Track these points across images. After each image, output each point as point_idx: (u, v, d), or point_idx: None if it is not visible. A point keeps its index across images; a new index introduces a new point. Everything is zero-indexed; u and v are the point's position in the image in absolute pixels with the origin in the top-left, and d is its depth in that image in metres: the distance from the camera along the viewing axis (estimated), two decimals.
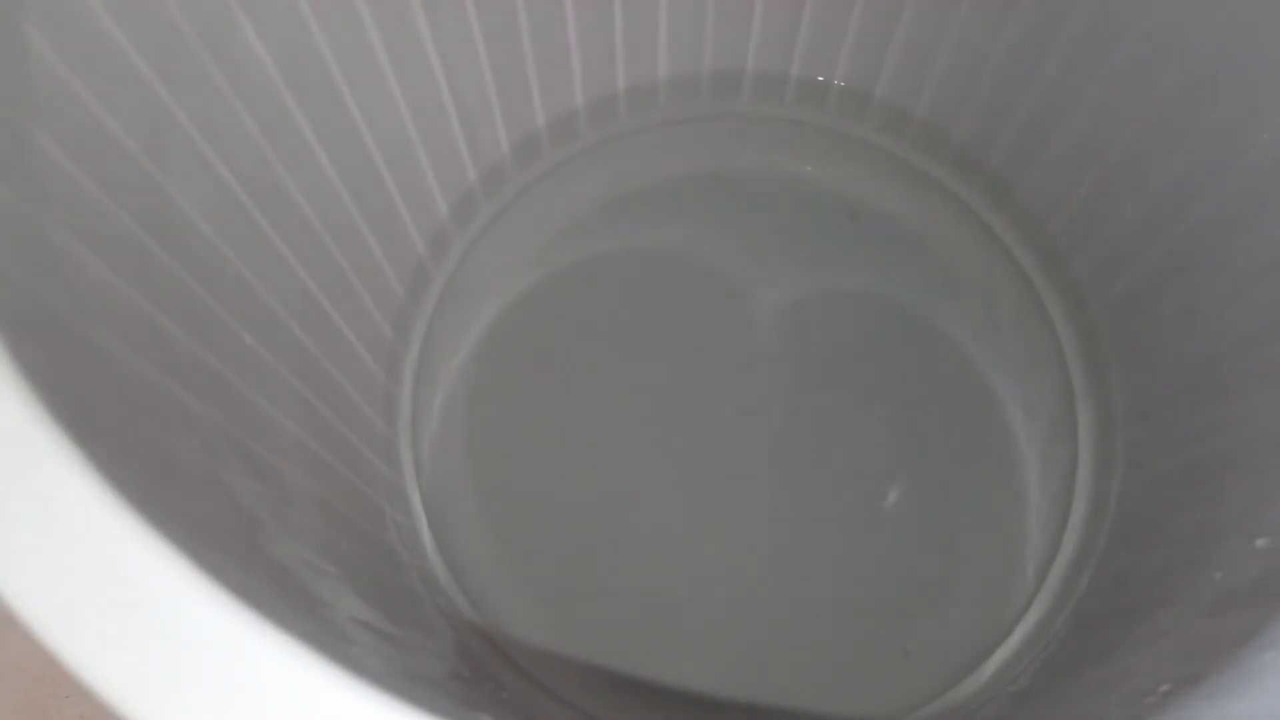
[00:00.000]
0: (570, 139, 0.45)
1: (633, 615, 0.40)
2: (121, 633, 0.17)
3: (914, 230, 0.45)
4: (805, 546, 0.41)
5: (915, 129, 0.45)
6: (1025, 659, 0.39)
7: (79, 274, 0.23)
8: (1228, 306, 0.35)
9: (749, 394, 0.43)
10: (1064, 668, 0.36)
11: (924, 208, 0.45)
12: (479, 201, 0.45)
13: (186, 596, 0.17)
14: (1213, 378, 0.35)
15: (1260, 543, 0.30)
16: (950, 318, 0.43)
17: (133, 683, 0.17)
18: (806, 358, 0.43)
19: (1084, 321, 0.43)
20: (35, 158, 0.22)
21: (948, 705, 0.39)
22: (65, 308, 0.22)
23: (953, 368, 0.43)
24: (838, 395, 0.43)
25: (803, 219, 0.45)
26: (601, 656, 0.39)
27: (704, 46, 0.44)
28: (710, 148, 0.47)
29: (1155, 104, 0.35)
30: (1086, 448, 0.42)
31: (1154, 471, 0.38)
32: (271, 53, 0.31)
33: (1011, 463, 0.42)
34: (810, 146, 0.46)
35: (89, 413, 0.20)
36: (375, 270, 0.40)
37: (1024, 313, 0.44)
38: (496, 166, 0.44)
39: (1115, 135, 0.38)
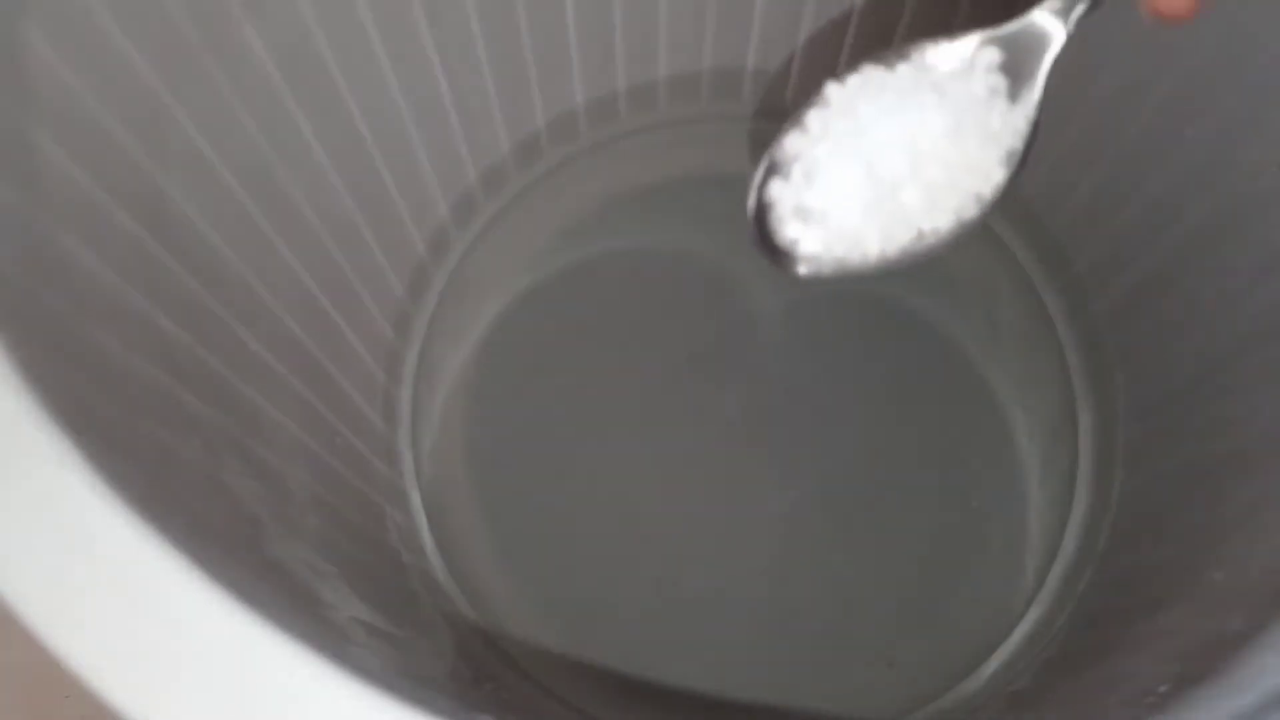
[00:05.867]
0: (570, 139, 0.45)
1: (632, 615, 0.40)
2: (121, 633, 0.17)
3: None
4: (805, 546, 0.41)
5: None
6: (1025, 659, 0.39)
7: (79, 274, 0.23)
8: (1227, 307, 0.34)
9: (747, 395, 0.43)
10: (1064, 668, 0.36)
11: None
12: (479, 201, 0.45)
13: (187, 597, 0.17)
14: (1213, 378, 0.35)
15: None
16: (950, 318, 0.43)
17: (132, 683, 0.17)
18: (805, 358, 0.43)
19: (1084, 321, 0.43)
20: (35, 157, 0.22)
21: (947, 705, 0.39)
22: (65, 308, 0.22)
23: (953, 368, 0.43)
24: (837, 396, 0.43)
25: None
26: (601, 656, 0.39)
27: (704, 46, 0.43)
28: (710, 148, 0.46)
29: (1155, 106, 0.35)
30: (1086, 447, 0.42)
31: (1154, 471, 0.38)
32: (272, 52, 0.30)
33: (1011, 463, 0.42)
34: None
35: (89, 413, 0.20)
36: (375, 270, 0.40)
37: (1024, 313, 0.44)
38: (496, 166, 0.44)
39: (1116, 137, 0.37)
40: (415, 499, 0.42)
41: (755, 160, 0.45)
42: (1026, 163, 0.28)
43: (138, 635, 0.17)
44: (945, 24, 0.41)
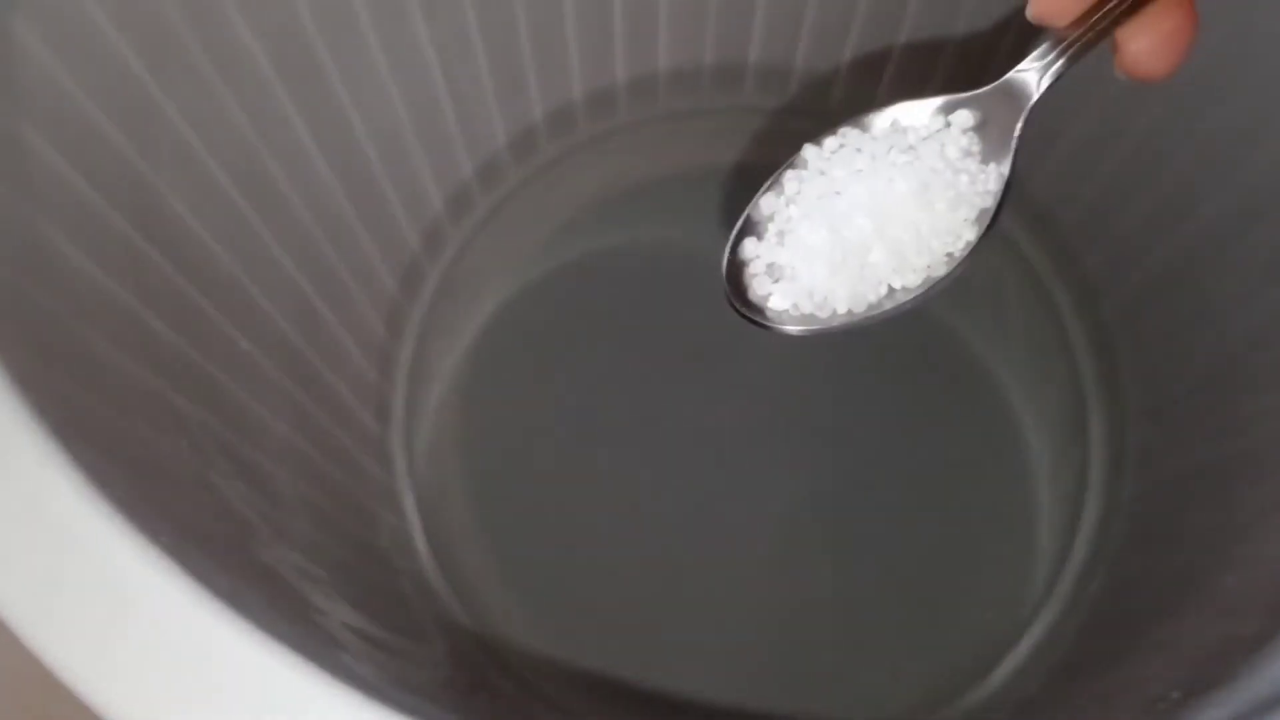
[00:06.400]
0: (568, 133, 0.45)
1: (631, 621, 0.40)
2: (109, 639, 0.17)
3: None
4: (807, 549, 0.41)
5: None
6: (1036, 664, 0.38)
7: (68, 273, 0.23)
8: (1238, 306, 0.34)
9: (749, 395, 0.42)
10: (1074, 674, 0.35)
11: None
12: (475, 196, 0.44)
13: (175, 602, 0.17)
14: (1224, 378, 0.35)
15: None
16: (958, 317, 0.43)
17: (117, 687, 0.16)
18: (809, 358, 0.43)
19: (1094, 321, 0.42)
20: (23, 153, 0.22)
21: (955, 712, 0.39)
22: (54, 307, 0.22)
23: (961, 368, 0.42)
24: (841, 397, 0.42)
25: None
26: (599, 663, 0.39)
27: (705, 39, 0.43)
28: (711, 142, 0.46)
29: (1164, 103, 0.35)
30: (1097, 449, 0.41)
31: (1166, 473, 0.38)
32: (263, 45, 0.30)
33: (1021, 465, 0.41)
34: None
35: (76, 414, 0.20)
36: (368, 267, 0.39)
37: (1034, 313, 0.43)
38: (493, 161, 0.44)
39: (1124, 134, 0.37)
40: (408, 501, 0.41)
41: (755, 155, 0.46)
42: (998, 220, 0.29)
43: (124, 639, 0.17)
44: (947, 21, 0.40)
